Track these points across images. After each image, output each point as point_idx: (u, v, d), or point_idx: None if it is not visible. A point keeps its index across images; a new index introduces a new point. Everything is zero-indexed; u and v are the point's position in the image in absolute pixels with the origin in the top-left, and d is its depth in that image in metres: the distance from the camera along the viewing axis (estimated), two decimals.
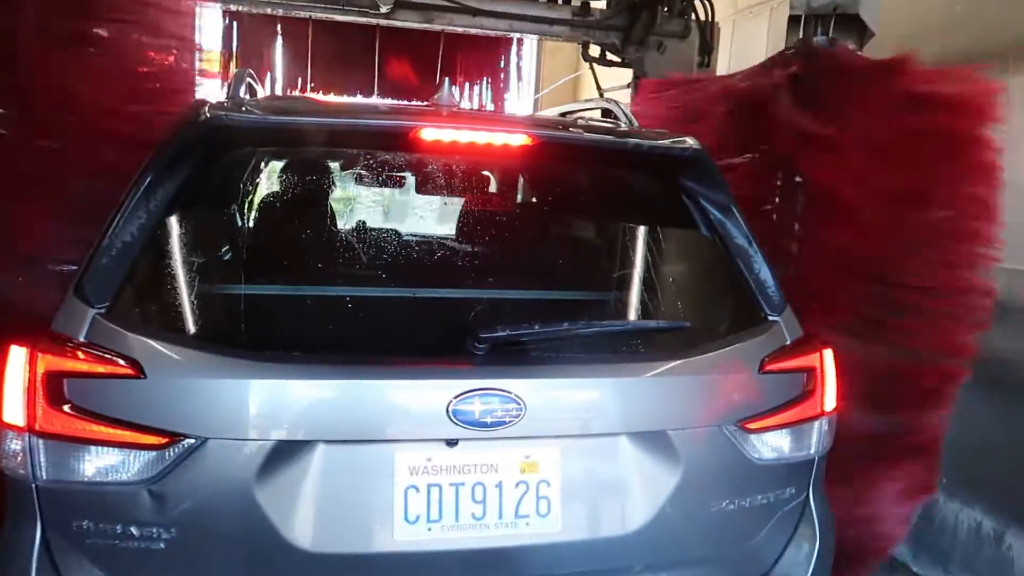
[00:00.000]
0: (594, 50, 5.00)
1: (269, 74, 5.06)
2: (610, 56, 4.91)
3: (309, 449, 1.52)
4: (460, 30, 4.53)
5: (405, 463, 1.57)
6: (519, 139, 1.70)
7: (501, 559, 1.61)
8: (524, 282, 1.80)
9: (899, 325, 2.63)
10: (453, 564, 1.59)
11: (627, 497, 1.67)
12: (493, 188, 1.98)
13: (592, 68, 5.01)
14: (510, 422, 1.55)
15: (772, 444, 1.79)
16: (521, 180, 1.94)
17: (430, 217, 1.89)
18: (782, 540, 1.87)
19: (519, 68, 5.51)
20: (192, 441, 1.48)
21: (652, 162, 1.88)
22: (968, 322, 2.55)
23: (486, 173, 1.95)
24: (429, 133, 1.66)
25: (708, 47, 4.70)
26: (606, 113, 2.41)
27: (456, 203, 1.89)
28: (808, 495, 1.90)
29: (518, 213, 2.02)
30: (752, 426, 1.74)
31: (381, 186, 1.97)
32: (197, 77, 2.67)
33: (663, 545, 1.71)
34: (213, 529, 1.51)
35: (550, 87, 7.17)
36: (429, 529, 1.57)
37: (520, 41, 5.68)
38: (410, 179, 2.06)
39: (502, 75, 5.50)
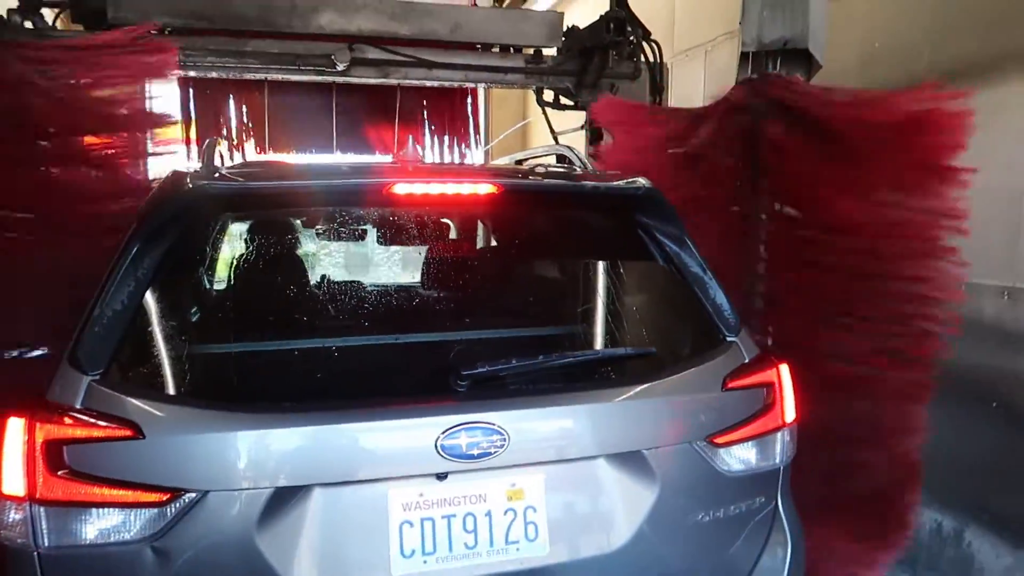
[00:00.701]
0: (547, 95, 5.18)
1: (226, 137, 5.14)
2: (564, 100, 5.09)
3: (305, 494, 1.59)
4: (416, 83, 4.66)
5: (399, 499, 1.65)
6: (485, 189, 1.83)
7: None
8: (496, 321, 1.91)
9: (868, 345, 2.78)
10: None
11: (609, 516, 1.77)
12: (462, 235, 2.10)
13: (545, 113, 5.20)
14: (495, 452, 1.65)
15: (740, 456, 1.91)
16: (486, 226, 2.07)
17: (403, 267, 2.00)
18: (757, 547, 1.98)
19: (474, 117, 5.69)
20: (193, 495, 1.54)
21: (608, 202, 2.03)
22: (935, 337, 2.68)
23: (456, 222, 2.07)
24: (399, 188, 1.78)
25: (659, 87, 4.91)
26: (561, 159, 2.57)
27: (428, 252, 2.01)
28: (777, 503, 2.02)
29: (487, 258, 2.15)
30: (720, 440, 1.87)
31: (355, 241, 2.08)
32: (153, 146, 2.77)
33: (646, 560, 1.81)
34: None
35: (501, 135, 7.37)
36: (424, 562, 1.65)
37: (474, 91, 5.85)
38: (380, 232, 2.17)
39: (459, 125, 5.67)
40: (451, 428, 1.62)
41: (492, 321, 1.91)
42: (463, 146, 5.86)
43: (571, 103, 5.06)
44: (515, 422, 1.68)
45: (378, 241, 2.13)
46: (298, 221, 2.14)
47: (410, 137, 1.95)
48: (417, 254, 1.99)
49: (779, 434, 1.99)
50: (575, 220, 2.06)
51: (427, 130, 5.19)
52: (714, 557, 1.92)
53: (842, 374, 2.79)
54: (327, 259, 2.06)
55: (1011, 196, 2.76)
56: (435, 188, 1.79)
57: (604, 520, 1.77)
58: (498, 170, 2.40)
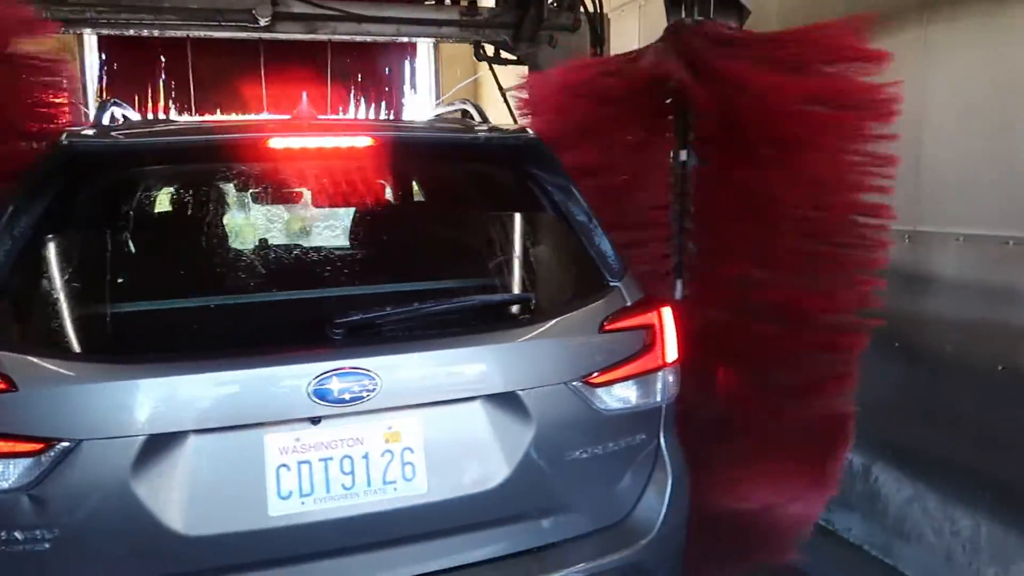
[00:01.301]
0: (489, 49, 5.10)
1: (151, 99, 5.03)
2: (504, 54, 5.01)
3: (180, 440, 1.64)
4: (347, 38, 4.59)
5: (275, 444, 1.71)
6: (361, 142, 1.86)
7: (373, 523, 1.76)
8: (378, 276, 1.95)
9: (799, 289, 2.85)
10: (329, 532, 1.73)
11: (487, 456, 1.84)
12: (343, 191, 2.11)
13: (491, 68, 5.14)
14: (367, 397, 1.70)
15: (618, 395, 1.99)
16: (367, 180, 2.09)
17: (283, 223, 2.03)
18: (639, 484, 2.07)
19: (413, 75, 5.62)
20: (67, 444, 1.58)
21: (490, 153, 2.07)
22: (866, 282, 2.75)
23: (337, 177, 2.08)
24: (273, 143, 1.80)
25: (599, 39, 4.85)
26: (465, 114, 2.58)
27: (308, 208, 2.03)
28: (660, 441, 2.10)
29: (369, 212, 2.17)
30: (596, 380, 1.94)
31: (232, 197, 2.10)
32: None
33: (525, 496, 1.89)
34: (95, 525, 1.62)
35: (450, 92, 7.30)
36: (303, 503, 1.72)
37: (413, 47, 5.77)
38: (259, 189, 2.19)
39: (397, 83, 5.60)
40: (323, 374, 1.67)
41: (374, 275, 1.95)
42: (405, 103, 5.81)
43: (512, 57, 5.00)
44: (388, 367, 1.73)
45: (254, 198, 2.15)
46: (173, 177, 2.15)
47: (303, 94, 1.94)
48: (297, 210, 2.01)
49: (659, 374, 2.06)
50: (458, 172, 2.10)
51: (364, 87, 5.12)
52: (595, 493, 2.00)
53: (768, 326, 2.88)
54: (205, 216, 2.08)
55: (908, 142, 2.81)
56: (310, 142, 1.81)
57: (482, 459, 1.84)
58: (383, 124, 2.41)
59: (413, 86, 5.59)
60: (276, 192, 2.07)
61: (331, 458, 1.74)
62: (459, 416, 1.84)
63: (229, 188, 2.02)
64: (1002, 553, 2.78)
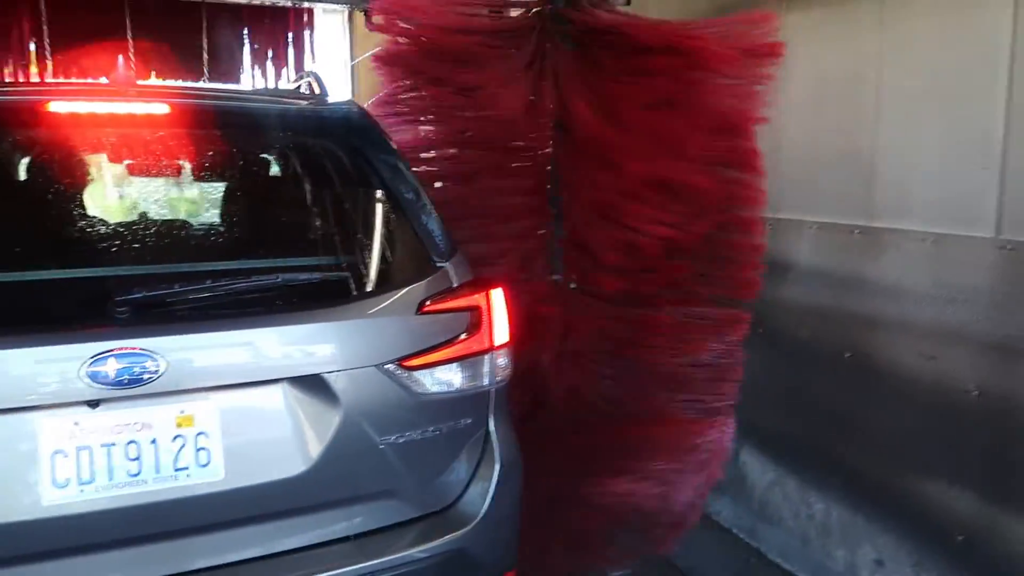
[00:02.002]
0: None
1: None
2: None
3: None
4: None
5: (50, 428, 1.60)
6: (156, 110, 1.76)
7: (162, 512, 1.67)
8: (179, 253, 1.86)
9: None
10: (111, 522, 1.64)
11: (291, 441, 1.77)
12: (143, 162, 2.01)
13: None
14: (149, 379, 1.61)
15: (438, 379, 1.94)
16: (172, 152, 1.99)
17: (72, 196, 1.91)
18: (467, 470, 2.03)
19: (310, 42, 5.45)
20: None
21: (308, 125, 1.99)
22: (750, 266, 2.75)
23: (138, 147, 1.98)
24: (57, 106, 1.69)
25: None
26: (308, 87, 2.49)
27: (105, 181, 1.92)
28: (488, 426, 2.06)
29: (171, 185, 2.08)
30: (411, 363, 1.88)
31: (19, 165, 1.97)
32: None
33: (335, 482, 1.83)
34: None
35: (361, 57, 7.10)
36: (81, 491, 1.62)
37: (310, 13, 5.59)
38: (43, 158, 2.06)
39: (288, 50, 5.41)
40: (98, 355, 1.58)
41: (172, 253, 1.86)
42: (302, 70, 5.59)
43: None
44: (176, 348, 1.64)
45: (36, 167, 2.02)
46: None
47: (119, 57, 1.84)
48: (91, 182, 1.90)
49: (486, 357, 2.02)
50: (272, 144, 2.02)
51: (247, 55, 4.92)
52: (416, 479, 1.95)
53: (651, 317, 2.86)
54: None
55: (771, 130, 2.83)
56: (98, 107, 1.71)
57: (285, 445, 1.77)
58: (192, 91, 2.30)
59: (312, 52, 5.40)
60: (62, 161, 1.95)
61: (114, 443, 1.65)
62: (260, 400, 1.76)
63: (12, 156, 1.89)
64: (850, 535, 2.84)
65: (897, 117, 2.62)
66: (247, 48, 5.37)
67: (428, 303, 1.93)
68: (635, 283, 2.83)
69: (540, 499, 2.63)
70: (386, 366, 1.85)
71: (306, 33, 5.59)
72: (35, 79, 4.88)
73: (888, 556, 2.68)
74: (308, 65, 5.57)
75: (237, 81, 5.29)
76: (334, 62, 6.56)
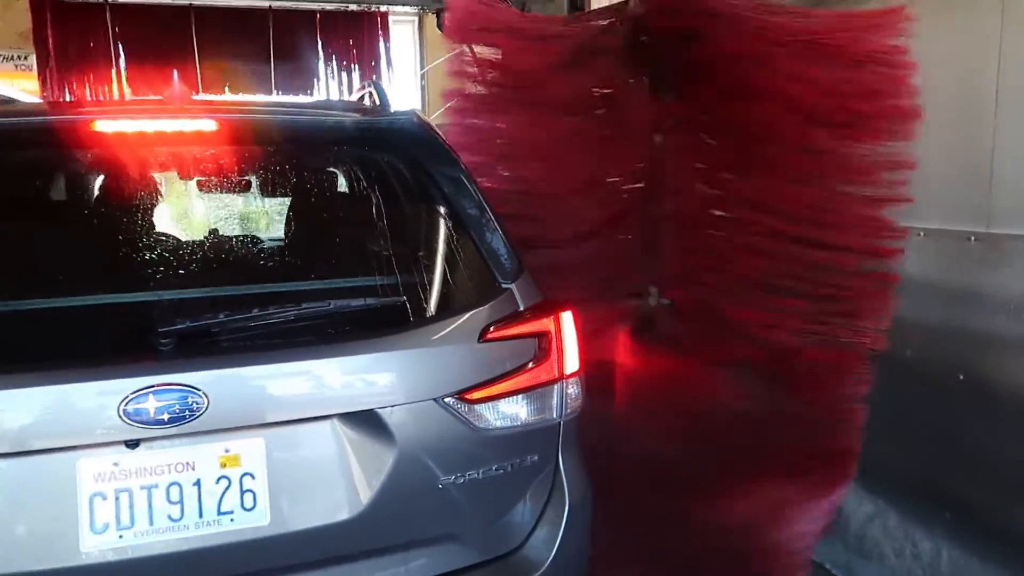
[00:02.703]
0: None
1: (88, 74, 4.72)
2: None
3: None
4: (290, 5, 4.32)
5: (89, 470, 1.50)
6: (202, 126, 1.64)
7: (205, 559, 1.55)
8: (228, 277, 1.74)
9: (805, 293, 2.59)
10: (152, 570, 1.53)
11: (342, 482, 1.63)
12: (191, 181, 1.91)
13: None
14: (191, 417, 1.49)
15: (502, 412, 1.77)
16: (219, 171, 1.87)
17: (114, 218, 1.81)
18: (533, 511, 1.85)
19: (386, 50, 5.35)
20: None
21: (364, 139, 1.85)
22: (880, 287, 2.48)
23: (183, 166, 1.88)
24: (102, 126, 1.58)
25: (578, 4, 4.56)
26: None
27: (147, 201, 1.82)
28: (558, 462, 1.88)
29: (221, 204, 1.96)
30: (474, 396, 1.72)
31: (57, 186, 1.89)
32: None
33: (389, 526, 1.68)
34: None
35: (431, 65, 7.03)
36: (120, 536, 1.51)
37: (385, 25, 5.49)
38: (88, 180, 1.97)
39: (365, 58, 5.33)
40: (138, 391, 1.46)
41: (220, 277, 1.74)
42: (378, 79, 5.53)
43: None
44: (219, 382, 1.52)
45: (69, 189, 1.92)
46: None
47: (174, 72, 1.74)
48: (133, 203, 1.80)
49: (555, 387, 1.84)
50: (326, 160, 1.88)
51: (322, 64, 4.85)
52: (478, 522, 1.79)
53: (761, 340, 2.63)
54: (19, 207, 1.86)
55: None
56: (141, 126, 1.60)
57: (336, 486, 1.63)
58: (243, 106, 2.18)
59: (389, 60, 5.32)
60: (99, 181, 1.85)
61: (156, 485, 1.53)
62: (308, 437, 1.62)
63: (52, 176, 1.81)
64: None
65: (1019, 109, 2.31)
66: (321, 58, 5.31)
67: (492, 329, 1.76)
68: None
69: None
70: (445, 399, 1.69)
71: (380, 42, 5.50)
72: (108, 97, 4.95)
73: None
74: (385, 75, 5.48)
75: (309, 93, 5.26)
76: (406, 71, 6.50)
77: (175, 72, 1.82)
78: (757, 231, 2.70)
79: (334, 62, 5.28)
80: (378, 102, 2.27)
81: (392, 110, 2.16)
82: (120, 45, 4.77)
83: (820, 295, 2.59)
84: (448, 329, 1.74)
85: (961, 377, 2.51)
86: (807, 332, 2.67)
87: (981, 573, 2.46)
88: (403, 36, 6.90)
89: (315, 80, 5.15)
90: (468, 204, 1.88)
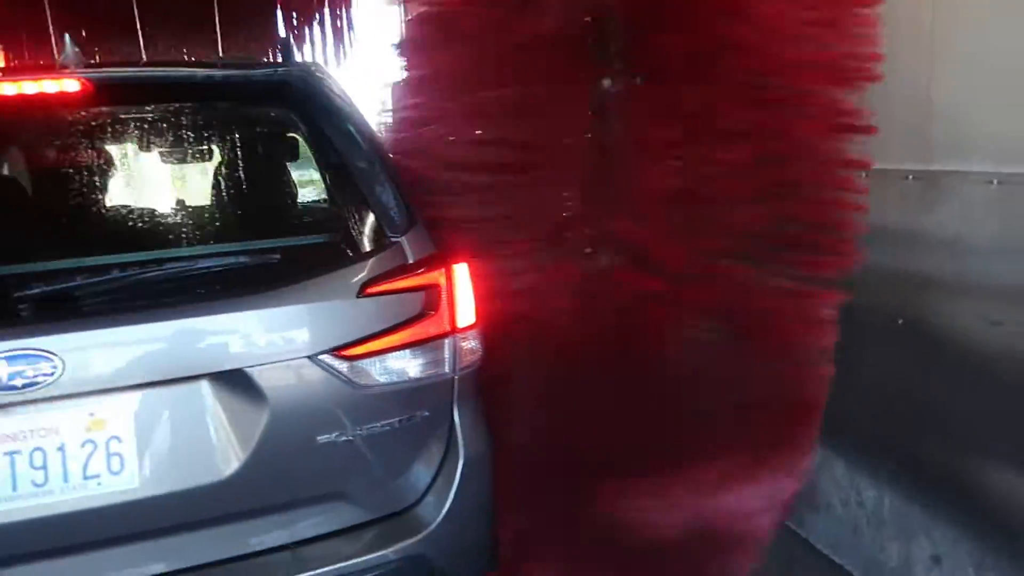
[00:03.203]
0: None
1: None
2: None
3: None
4: None
5: None
6: (66, 86, 1.59)
7: (73, 523, 1.54)
8: (97, 241, 1.69)
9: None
10: (18, 536, 1.52)
11: (214, 442, 1.60)
12: (70, 146, 1.84)
13: None
14: (45, 382, 1.46)
15: (387, 368, 1.72)
16: (101, 133, 1.80)
17: None
18: (428, 468, 1.82)
19: (347, 19, 5.26)
20: None
21: (250, 94, 1.78)
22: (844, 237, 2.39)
23: (62, 129, 1.81)
24: None
25: None
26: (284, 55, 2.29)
27: (14, 165, 1.77)
28: (454, 418, 1.84)
29: (87, 168, 1.90)
30: (352, 352, 1.67)
31: None
32: None
33: (268, 486, 1.65)
34: None
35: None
36: None
37: None
38: None
39: (326, 22, 5.22)
40: None
41: (87, 242, 1.69)
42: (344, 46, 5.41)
43: None
44: (74, 346, 1.48)
45: None
46: None
47: (66, 35, 1.68)
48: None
49: (446, 342, 1.79)
50: (197, 118, 1.81)
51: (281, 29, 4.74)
52: (365, 481, 1.76)
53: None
54: None
55: None
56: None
57: (208, 447, 1.60)
58: (127, 67, 2.08)
59: (351, 27, 5.22)
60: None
61: (19, 451, 1.51)
62: (178, 399, 1.59)
63: None
64: (905, 527, 2.48)
65: (954, 43, 2.18)
66: (280, 22, 5.21)
67: (372, 283, 1.71)
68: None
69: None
70: (320, 357, 1.65)
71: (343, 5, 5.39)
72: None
73: (946, 552, 2.31)
74: (351, 38, 5.37)
75: (269, 56, 5.16)
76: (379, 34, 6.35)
77: (67, 36, 1.73)
78: (710, 178, 2.62)
79: (296, 26, 5.18)
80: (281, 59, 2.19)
81: (291, 64, 2.09)
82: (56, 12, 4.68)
83: (780, 243, 2.51)
84: (324, 284, 1.69)
85: (900, 322, 2.42)
86: (768, 283, 2.60)
87: (921, 520, 2.40)
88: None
89: (276, 45, 5.03)
90: (357, 157, 1.81)
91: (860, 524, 2.67)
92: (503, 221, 2.54)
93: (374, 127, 2.26)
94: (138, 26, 4.69)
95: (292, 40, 2.22)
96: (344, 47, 5.41)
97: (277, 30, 5.11)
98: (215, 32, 4.44)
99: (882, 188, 2.43)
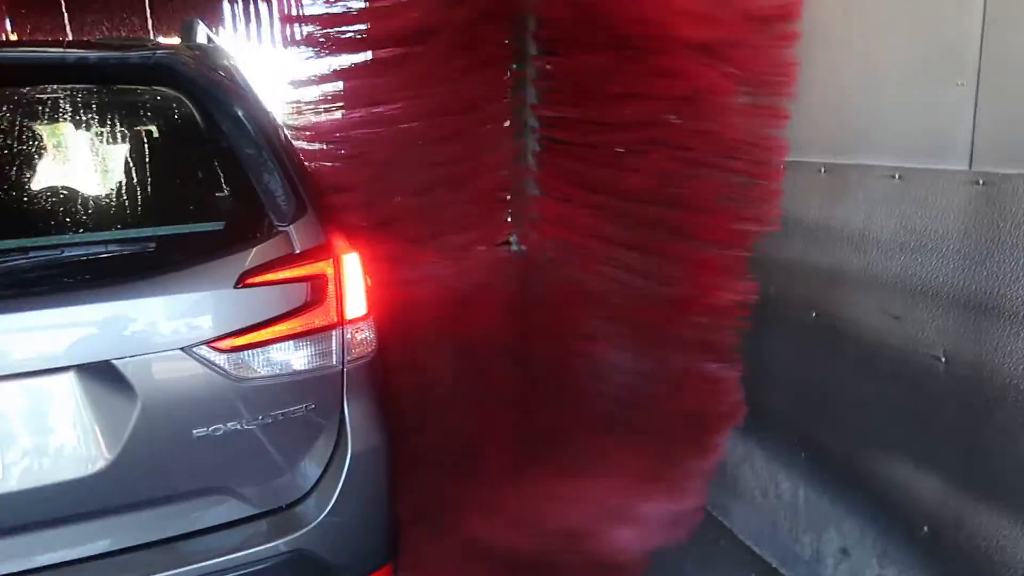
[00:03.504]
0: None
1: None
2: None
3: None
4: None
5: None
6: None
7: None
8: None
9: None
10: None
11: (83, 436, 1.56)
12: None
13: None
14: None
15: (269, 360, 1.69)
16: None
17: None
18: (317, 462, 1.79)
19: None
20: None
21: (120, 75, 1.73)
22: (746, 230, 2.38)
23: None
24: None
25: None
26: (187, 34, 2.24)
27: None
28: (344, 411, 1.81)
29: None
30: (229, 344, 1.64)
31: None
32: None
33: (142, 481, 1.62)
34: None
35: None
36: None
37: None
38: None
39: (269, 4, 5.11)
40: None
41: None
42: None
43: None
44: None
45: None
46: None
47: None
48: None
49: (333, 333, 1.77)
50: (84, 100, 1.76)
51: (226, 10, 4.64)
52: (247, 475, 1.73)
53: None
54: None
55: None
56: None
57: (77, 440, 1.56)
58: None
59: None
60: None
61: None
62: (43, 391, 1.55)
63: None
64: (817, 519, 2.50)
65: (862, 33, 2.18)
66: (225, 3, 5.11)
67: (252, 274, 1.67)
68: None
69: None
70: (194, 349, 1.61)
71: None
72: None
73: (853, 544, 2.33)
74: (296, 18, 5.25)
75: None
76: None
77: None
78: (624, 165, 2.61)
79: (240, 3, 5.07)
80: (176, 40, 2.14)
81: (187, 45, 2.04)
82: None
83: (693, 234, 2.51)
84: (201, 274, 1.65)
85: (814, 315, 2.43)
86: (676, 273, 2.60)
87: (830, 513, 2.42)
88: None
89: (220, 23, 4.94)
90: (244, 143, 1.77)
91: (778, 515, 2.68)
92: (416, 206, 2.52)
93: (277, 112, 2.22)
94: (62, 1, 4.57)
95: (199, 20, 2.15)
96: (287, 29, 5.31)
97: (222, 7, 5.02)
98: (145, 9, 4.33)
99: (796, 180, 2.44)
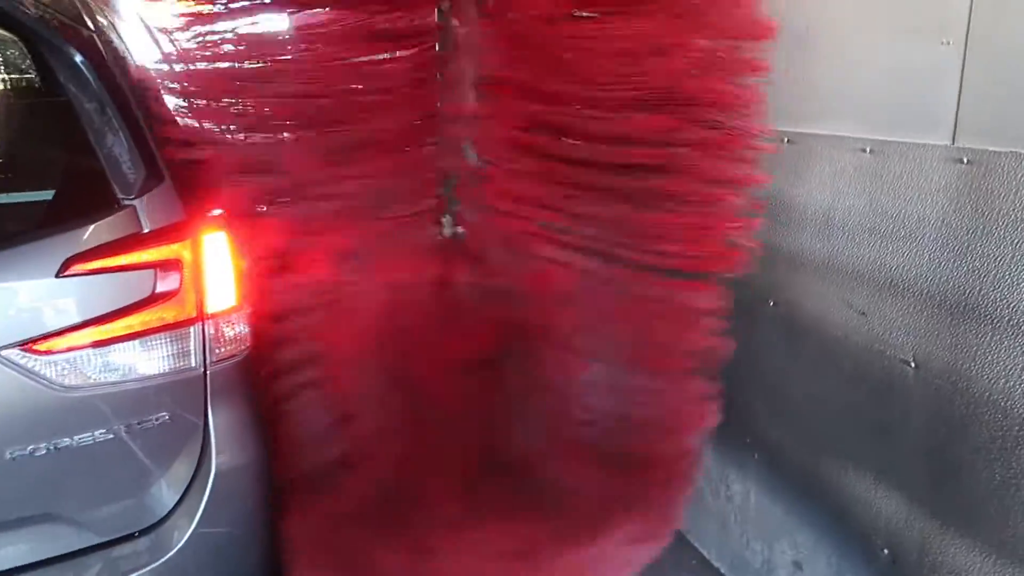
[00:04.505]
0: None
1: None
2: None
3: None
4: None
5: None
6: None
7: None
8: None
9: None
10: None
11: None
12: None
13: None
14: None
15: (106, 363, 1.40)
16: None
17: None
18: (177, 481, 1.51)
19: None
20: None
21: None
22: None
23: None
24: None
25: None
26: None
27: None
28: (208, 419, 1.53)
29: None
30: (50, 347, 1.34)
31: None
32: None
33: None
34: None
35: None
36: None
37: None
38: None
39: None
40: None
41: None
42: None
43: None
44: None
45: None
46: None
47: None
48: None
49: (192, 330, 1.47)
50: None
51: None
52: (87, 498, 1.45)
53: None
54: None
55: None
56: None
57: None
58: None
59: None
60: None
61: None
62: None
63: None
64: (769, 527, 2.27)
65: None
66: None
67: (79, 259, 1.37)
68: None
69: None
70: (5, 352, 1.31)
71: None
72: None
73: (807, 558, 2.10)
74: None
75: None
76: None
77: None
78: (582, 138, 2.30)
79: None
80: None
81: None
82: None
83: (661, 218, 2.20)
84: (16, 259, 1.34)
85: (772, 303, 2.17)
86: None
87: (784, 522, 2.19)
88: None
89: None
90: (83, 98, 1.45)
91: (728, 518, 2.46)
92: (320, 179, 2.19)
93: (150, 59, 1.88)
94: None
95: None
96: None
97: None
98: None
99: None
